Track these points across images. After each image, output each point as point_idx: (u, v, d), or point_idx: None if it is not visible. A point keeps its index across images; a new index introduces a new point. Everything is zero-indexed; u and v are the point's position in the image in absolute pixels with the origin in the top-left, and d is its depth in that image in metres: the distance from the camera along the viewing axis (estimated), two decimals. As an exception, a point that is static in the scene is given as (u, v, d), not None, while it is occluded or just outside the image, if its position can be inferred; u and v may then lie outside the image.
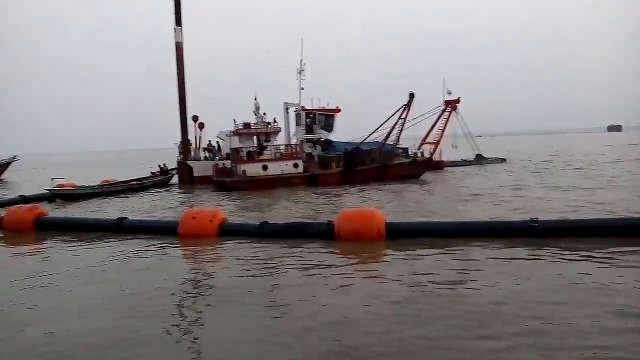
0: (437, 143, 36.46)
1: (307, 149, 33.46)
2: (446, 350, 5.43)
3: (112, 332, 6.36)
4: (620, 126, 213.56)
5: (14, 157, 53.50)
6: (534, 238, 10.24)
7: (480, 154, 42.90)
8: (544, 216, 11.66)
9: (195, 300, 7.83)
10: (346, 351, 5.51)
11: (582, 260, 8.82)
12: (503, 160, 43.37)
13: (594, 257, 8.92)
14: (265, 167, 28.80)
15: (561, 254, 9.22)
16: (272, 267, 9.38)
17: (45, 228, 14.67)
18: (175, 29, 36.08)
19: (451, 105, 36.16)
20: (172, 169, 35.91)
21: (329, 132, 35.36)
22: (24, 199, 23.43)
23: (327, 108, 35.58)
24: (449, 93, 36.40)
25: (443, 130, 36.33)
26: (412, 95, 31.05)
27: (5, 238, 14.12)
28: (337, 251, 10.49)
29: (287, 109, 35.78)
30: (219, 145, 37.46)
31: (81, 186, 28.02)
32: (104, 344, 5.99)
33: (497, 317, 6.25)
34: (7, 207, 17.65)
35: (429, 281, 7.90)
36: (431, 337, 5.76)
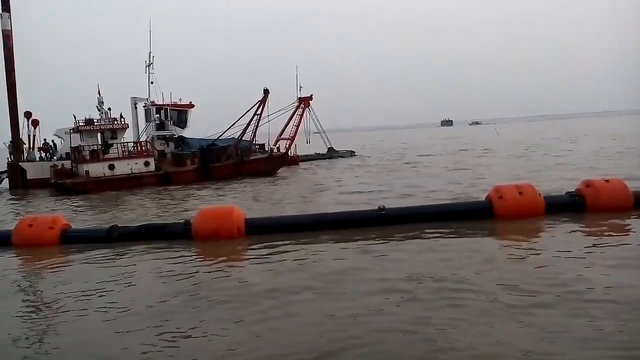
0: (292, 139, 37.38)
1: (159, 146, 32.01)
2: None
3: None
4: (451, 121, 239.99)
5: None
6: (383, 226, 11.02)
7: (332, 148, 45.04)
8: (391, 205, 12.61)
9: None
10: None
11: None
12: (352, 152, 46.04)
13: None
14: (111, 167, 26.86)
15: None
16: (121, 273, 8.77)
17: None
18: (2, 15, 31.70)
19: (304, 101, 37.32)
20: (2, 172, 31.67)
21: (182, 128, 34.22)
22: None
23: (179, 103, 34.35)
24: (301, 89, 37.61)
25: (297, 126, 37.36)
26: (266, 92, 31.38)
27: None
28: (195, 251, 10.18)
29: (135, 104, 33.80)
30: (55, 145, 33.98)
31: None
32: None
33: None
34: None
35: (294, 278, 8.06)
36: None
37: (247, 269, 8.82)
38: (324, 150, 44.63)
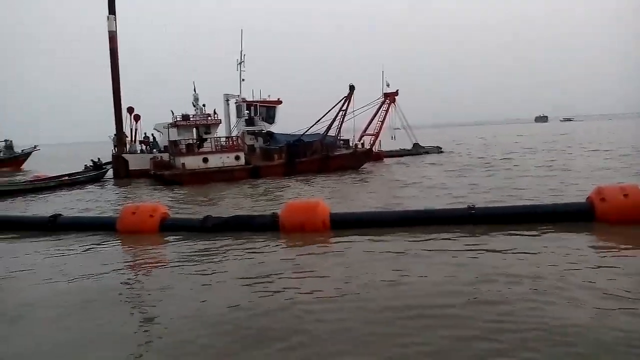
0: (376, 134, 37.14)
1: (249, 141, 33.22)
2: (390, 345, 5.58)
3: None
4: (546, 117, 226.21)
5: (35, 147, 51.62)
6: (471, 225, 10.67)
7: (418, 143, 44.20)
8: (480, 203, 12.18)
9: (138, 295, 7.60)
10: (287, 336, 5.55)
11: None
12: (439, 148, 44.85)
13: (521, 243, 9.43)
14: (205, 160, 28.26)
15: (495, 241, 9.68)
16: (214, 262, 9.25)
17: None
18: (108, 17, 34.43)
19: (390, 97, 36.91)
20: (107, 163, 34.48)
21: (270, 124, 35.26)
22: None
23: (268, 100, 35.41)
24: (388, 85, 37.18)
25: (382, 122, 37.03)
26: (352, 88, 31.44)
27: None
28: (282, 243, 10.48)
29: (227, 100, 35.30)
30: (154, 138, 36.37)
31: (9, 182, 26.39)
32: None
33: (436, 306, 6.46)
34: None
35: (375, 272, 8.05)
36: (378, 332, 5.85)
37: (328, 261, 8.92)
38: (410, 146, 43.94)
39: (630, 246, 8.85)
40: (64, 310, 6.92)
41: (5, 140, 51.65)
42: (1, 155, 50.09)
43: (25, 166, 49.68)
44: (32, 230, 13.03)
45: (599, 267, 7.64)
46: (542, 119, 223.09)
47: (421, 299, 6.61)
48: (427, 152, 43.01)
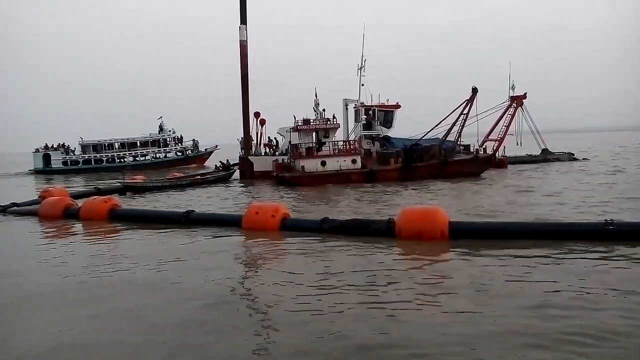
0: (500, 140, 35.18)
1: (366, 145, 33.40)
2: None
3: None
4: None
5: (216, 146, 59.73)
6: (608, 241, 9.70)
7: (547, 149, 41.18)
8: (620, 218, 11.02)
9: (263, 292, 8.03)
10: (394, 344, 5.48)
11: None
12: (571, 155, 41.33)
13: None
14: (323, 163, 28.98)
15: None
16: (330, 264, 9.44)
17: (119, 219, 15.51)
18: (240, 27, 36.99)
19: (517, 100, 34.76)
20: (234, 164, 36.91)
21: (388, 128, 35.12)
22: (99, 191, 24.92)
23: (386, 104, 35.33)
24: (513, 88, 35.09)
25: (507, 127, 34.99)
26: (475, 90, 30.18)
27: (83, 226, 15.09)
28: (399, 250, 10.36)
29: (346, 105, 35.87)
30: (277, 141, 38.13)
31: (150, 180, 29.47)
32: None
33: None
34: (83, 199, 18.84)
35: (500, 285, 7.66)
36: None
37: (450, 273, 8.63)
38: (537, 152, 41.06)
39: None
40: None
41: (193, 140, 58.80)
42: (190, 153, 57.08)
43: (207, 163, 55.67)
44: (170, 224, 14.41)
45: None
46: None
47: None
48: (557, 159, 39.86)
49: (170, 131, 57.45)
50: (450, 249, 10.21)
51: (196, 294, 7.79)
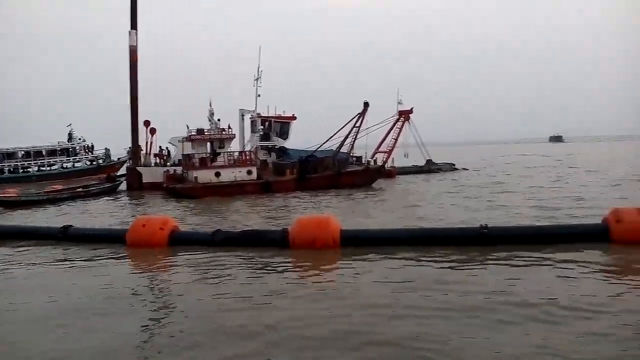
0: (389, 152, 37.11)
1: (262, 156, 33.32)
2: None
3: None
4: (561, 137, 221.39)
5: (127, 154, 54.02)
6: (484, 245, 10.46)
7: (431, 160, 43.94)
8: (493, 222, 11.95)
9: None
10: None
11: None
12: (452, 165, 44.55)
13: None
14: (218, 174, 28.37)
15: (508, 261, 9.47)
16: (222, 276, 9.16)
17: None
18: (130, 32, 35.18)
19: (404, 115, 36.92)
20: (120, 176, 34.87)
21: (284, 139, 35.41)
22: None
23: (283, 115, 35.62)
24: (400, 103, 37.31)
25: (396, 140, 37.02)
26: (366, 104, 31.54)
27: None
28: (291, 259, 10.36)
29: (242, 115, 35.60)
30: (168, 151, 36.76)
31: (25, 193, 26.81)
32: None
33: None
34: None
35: (384, 288, 7.91)
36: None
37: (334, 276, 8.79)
38: (423, 163, 43.75)
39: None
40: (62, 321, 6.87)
41: (105, 149, 54.27)
42: (102, 162, 52.65)
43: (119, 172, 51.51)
44: (45, 240, 13.12)
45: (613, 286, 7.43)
46: (557, 138, 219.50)
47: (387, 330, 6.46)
48: (440, 169, 42.73)
49: (80, 139, 53.03)
50: (341, 256, 10.42)
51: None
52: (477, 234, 10.79)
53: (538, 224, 13.50)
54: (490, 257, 9.68)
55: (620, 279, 8.16)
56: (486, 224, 11.07)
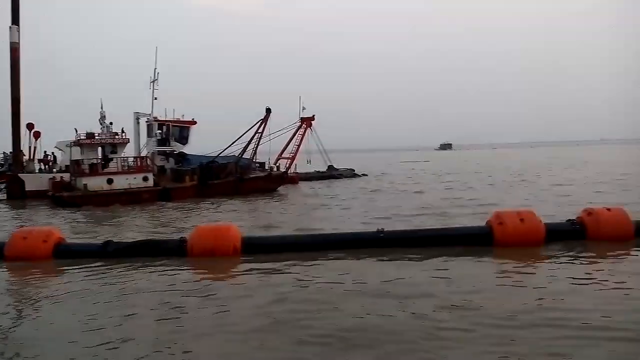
0: (292, 158, 37.41)
1: (159, 161, 31.91)
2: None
3: None
4: (450, 145, 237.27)
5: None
6: (381, 248, 10.87)
7: (332, 166, 44.98)
8: (390, 227, 12.47)
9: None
10: None
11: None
12: (352, 171, 45.96)
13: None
14: (110, 181, 26.71)
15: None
16: (114, 290, 8.61)
17: None
18: (10, 27, 32.12)
19: (306, 122, 37.44)
20: (-3, 183, 31.68)
21: (183, 144, 34.13)
22: None
23: (182, 120, 34.37)
24: (304, 109, 37.78)
25: (299, 146, 37.41)
26: (268, 111, 31.55)
27: None
28: (188, 269, 10.01)
29: (137, 119, 33.76)
30: (54, 157, 34.05)
31: None
32: None
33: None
34: None
35: (287, 298, 7.90)
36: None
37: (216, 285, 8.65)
38: (324, 169, 44.62)
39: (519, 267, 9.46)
40: None
41: (4, 153, 47.10)
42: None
43: None
44: None
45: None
46: (447, 146, 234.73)
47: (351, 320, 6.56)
48: (341, 175, 43.83)
49: None
50: (240, 264, 10.25)
51: None
52: (375, 237, 11.20)
53: (430, 227, 14.25)
54: (383, 259, 10.12)
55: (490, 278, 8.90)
56: (383, 228, 11.52)
